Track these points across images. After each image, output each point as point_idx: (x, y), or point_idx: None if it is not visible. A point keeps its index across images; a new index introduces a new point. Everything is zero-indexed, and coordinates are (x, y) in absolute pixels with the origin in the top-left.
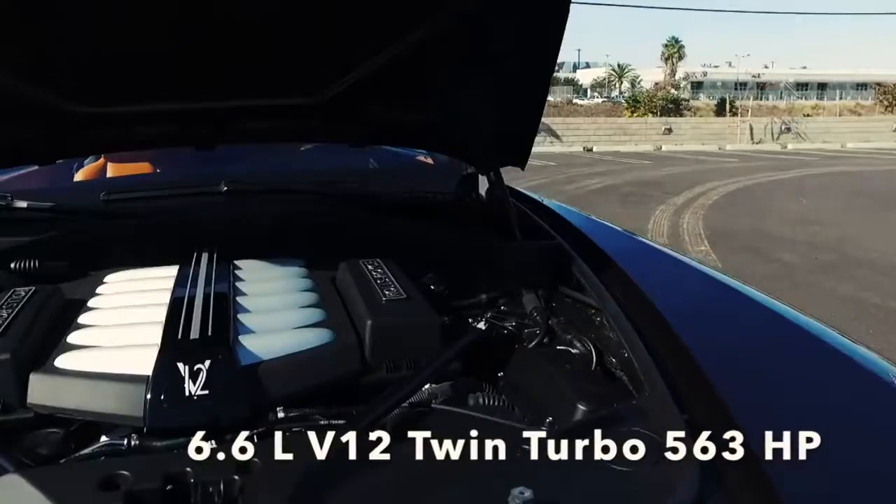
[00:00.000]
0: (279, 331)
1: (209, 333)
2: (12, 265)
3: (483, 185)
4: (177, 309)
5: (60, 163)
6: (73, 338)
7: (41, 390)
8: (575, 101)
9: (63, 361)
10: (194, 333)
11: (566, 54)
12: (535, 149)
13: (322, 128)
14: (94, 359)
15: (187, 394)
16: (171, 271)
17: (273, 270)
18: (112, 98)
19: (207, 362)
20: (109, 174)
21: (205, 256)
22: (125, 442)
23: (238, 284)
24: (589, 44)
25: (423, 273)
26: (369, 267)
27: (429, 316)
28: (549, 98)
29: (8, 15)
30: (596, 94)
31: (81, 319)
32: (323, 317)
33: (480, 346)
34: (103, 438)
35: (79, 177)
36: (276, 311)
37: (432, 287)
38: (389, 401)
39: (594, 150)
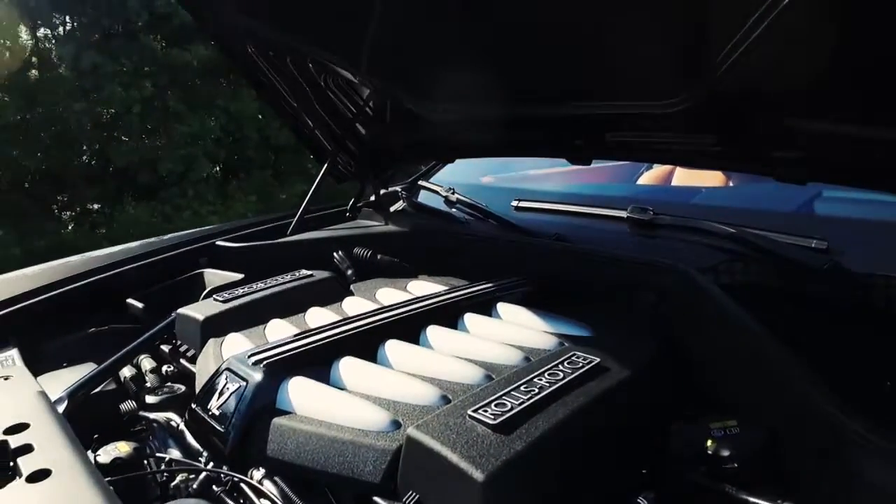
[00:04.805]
0: (357, 394)
1: (265, 360)
2: (354, 251)
3: None
4: (324, 327)
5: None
6: (272, 324)
7: (204, 351)
8: None
9: (231, 338)
10: (265, 355)
11: None
12: None
13: (717, 144)
14: (243, 344)
15: (208, 405)
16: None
17: (517, 330)
18: (469, 102)
19: (236, 385)
20: (675, 182)
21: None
22: (179, 423)
23: (434, 330)
24: None
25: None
26: (579, 363)
27: (480, 465)
28: None
29: (384, 34)
30: None
31: (308, 312)
32: (435, 402)
33: None
34: (168, 414)
35: (642, 180)
36: (397, 374)
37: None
38: None
39: None
